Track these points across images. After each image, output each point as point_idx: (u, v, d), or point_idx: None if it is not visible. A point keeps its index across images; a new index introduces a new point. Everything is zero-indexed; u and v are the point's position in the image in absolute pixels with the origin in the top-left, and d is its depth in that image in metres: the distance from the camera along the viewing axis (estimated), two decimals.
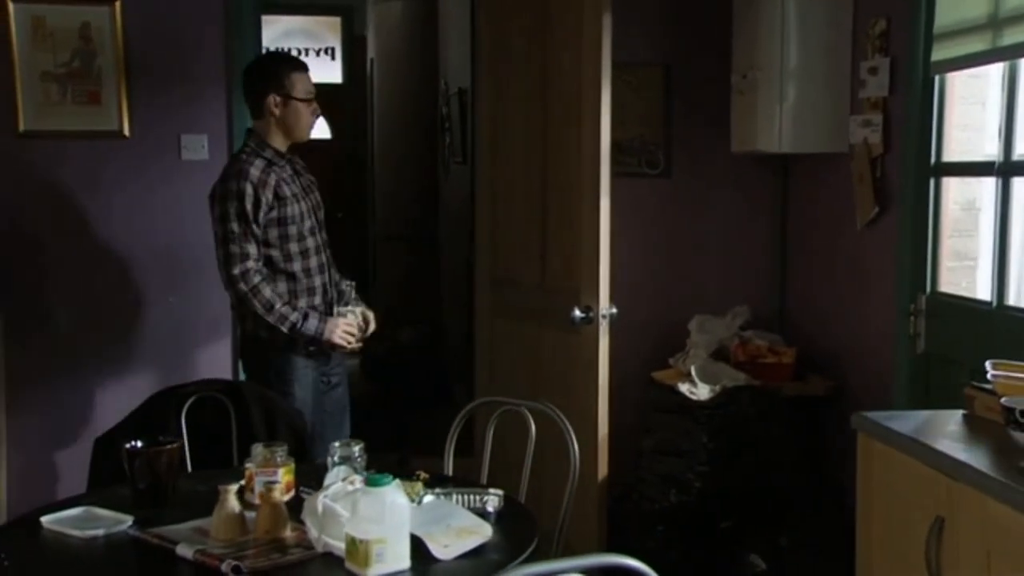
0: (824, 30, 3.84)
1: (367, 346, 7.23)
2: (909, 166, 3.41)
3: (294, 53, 9.49)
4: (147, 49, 4.04)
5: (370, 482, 1.91)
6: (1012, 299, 3.01)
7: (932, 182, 3.35)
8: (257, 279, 3.22)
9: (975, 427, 2.26)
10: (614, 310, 3.67)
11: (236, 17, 4.12)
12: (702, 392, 3.77)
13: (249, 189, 3.21)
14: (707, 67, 4.29)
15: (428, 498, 2.18)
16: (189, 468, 2.77)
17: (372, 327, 3.50)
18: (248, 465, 2.22)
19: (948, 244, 3.41)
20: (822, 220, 4.12)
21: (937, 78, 3.30)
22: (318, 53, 9.61)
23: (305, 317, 3.24)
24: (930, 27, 3.29)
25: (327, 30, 9.57)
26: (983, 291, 3.19)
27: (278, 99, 3.32)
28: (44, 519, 2.13)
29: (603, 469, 3.68)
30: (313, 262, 3.37)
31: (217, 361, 4.18)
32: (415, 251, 7.54)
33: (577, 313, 3.64)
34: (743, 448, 3.76)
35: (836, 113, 3.85)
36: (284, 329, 3.21)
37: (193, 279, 4.13)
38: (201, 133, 4.12)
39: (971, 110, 3.34)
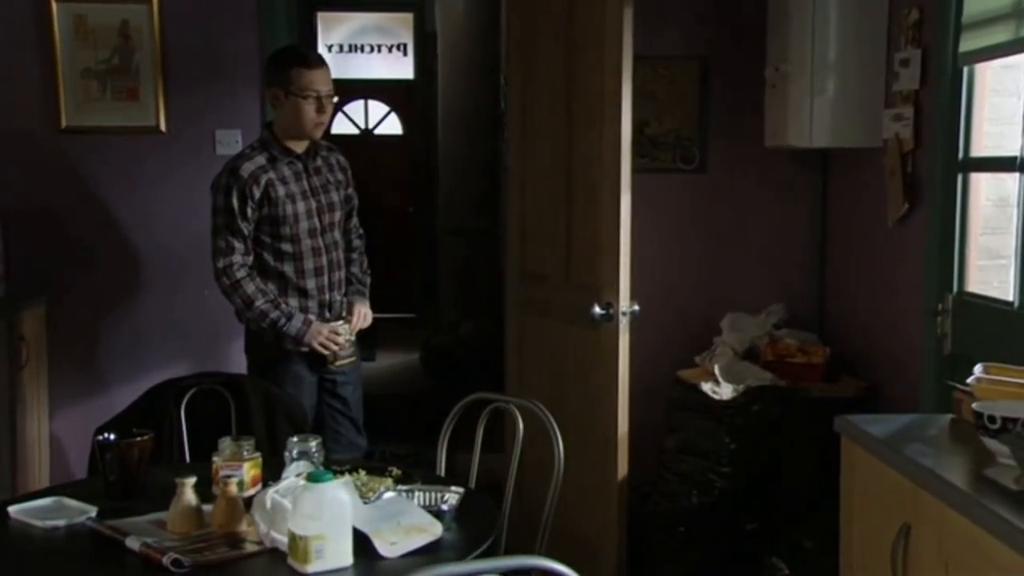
0: (858, 21, 3.72)
1: (428, 340, 7.27)
2: (938, 161, 3.28)
3: (367, 49, 9.68)
4: (183, 46, 4.13)
5: (310, 478, 1.91)
6: None
7: (960, 178, 3.22)
8: (241, 274, 3.24)
9: (958, 432, 2.16)
10: (636, 307, 3.62)
11: (270, 13, 4.17)
12: (725, 391, 3.69)
13: (237, 184, 3.22)
14: (744, 61, 4.20)
15: (388, 495, 2.18)
16: (188, 459, 2.82)
17: (361, 323, 3.54)
18: (215, 459, 2.24)
19: (980, 242, 3.28)
20: (858, 217, 4.00)
21: (966, 70, 3.16)
22: (391, 49, 9.72)
23: (289, 317, 3.25)
24: (959, 17, 3.16)
25: (401, 26, 9.66)
26: (1016, 291, 3.05)
27: (279, 93, 3.30)
28: (12, 509, 2.19)
29: (623, 468, 3.63)
30: (309, 264, 3.35)
31: (239, 353, 4.25)
32: (476, 246, 7.57)
33: (597, 310, 3.60)
34: (766, 449, 3.68)
35: (871, 107, 3.72)
36: (264, 326, 3.23)
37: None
38: (235, 128, 4.19)
39: (1004, 103, 3.20)
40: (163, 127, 4.12)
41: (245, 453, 2.24)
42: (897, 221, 3.58)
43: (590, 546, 3.79)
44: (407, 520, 2.05)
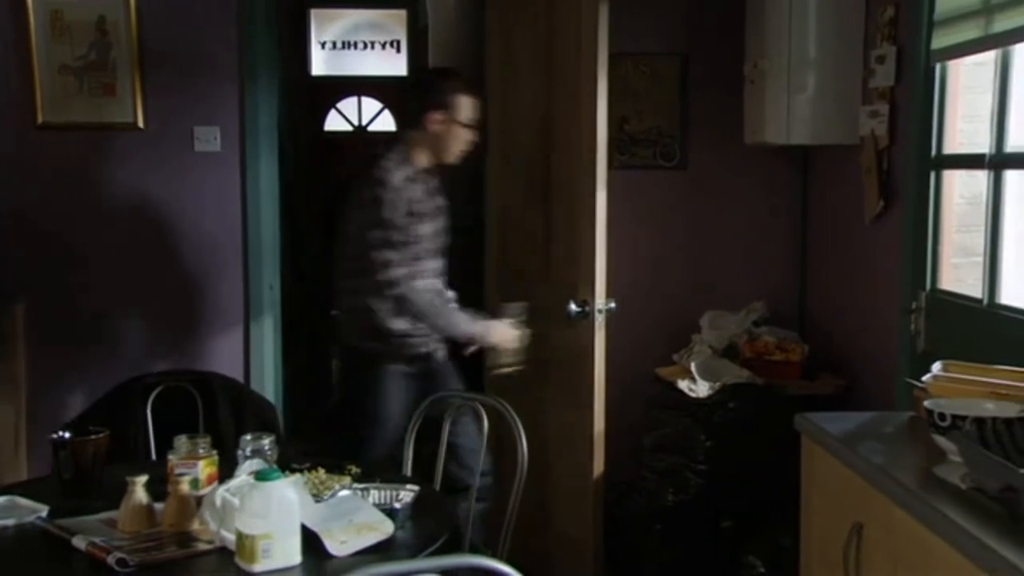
0: (835, 18, 3.70)
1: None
2: (911, 158, 3.27)
3: (360, 46, 9.65)
4: (161, 41, 4.10)
5: (258, 476, 1.90)
6: (1005, 297, 2.86)
7: (933, 175, 3.20)
8: (409, 281, 3.15)
9: (915, 430, 2.15)
10: (612, 304, 3.62)
11: (250, 10, 4.15)
12: (701, 389, 3.68)
13: (389, 196, 3.13)
14: (724, 57, 4.17)
15: (343, 493, 2.17)
16: (154, 458, 2.82)
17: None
18: (170, 457, 2.23)
19: (955, 239, 3.26)
20: (837, 214, 3.98)
21: (938, 67, 3.15)
22: (384, 46, 9.69)
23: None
24: (932, 14, 3.14)
25: (394, 23, 9.63)
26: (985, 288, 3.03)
27: (440, 117, 3.23)
28: None
29: (599, 466, 3.63)
30: (419, 284, 3.24)
31: (229, 351, 4.25)
32: (465, 242, 7.53)
33: (573, 307, 3.60)
34: (743, 447, 3.66)
35: (849, 104, 3.70)
36: (440, 321, 3.21)
37: (206, 269, 4.21)
38: (214, 125, 4.17)
39: (978, 100, 3.18)
40: (141, 123, 4.10)
41: (201, 451, 2.23)
42: (873, 218, 3.56)
43: (569, 544, 3.79)
44: (358, 519, 2.04)
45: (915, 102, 3.24)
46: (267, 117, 4.26)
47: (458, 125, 3.27)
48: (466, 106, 3.27)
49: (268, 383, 4.39)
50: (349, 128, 9.82)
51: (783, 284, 4.31)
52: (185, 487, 2.08)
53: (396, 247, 3.13)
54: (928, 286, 3.23)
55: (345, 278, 3.32)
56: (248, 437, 2.22)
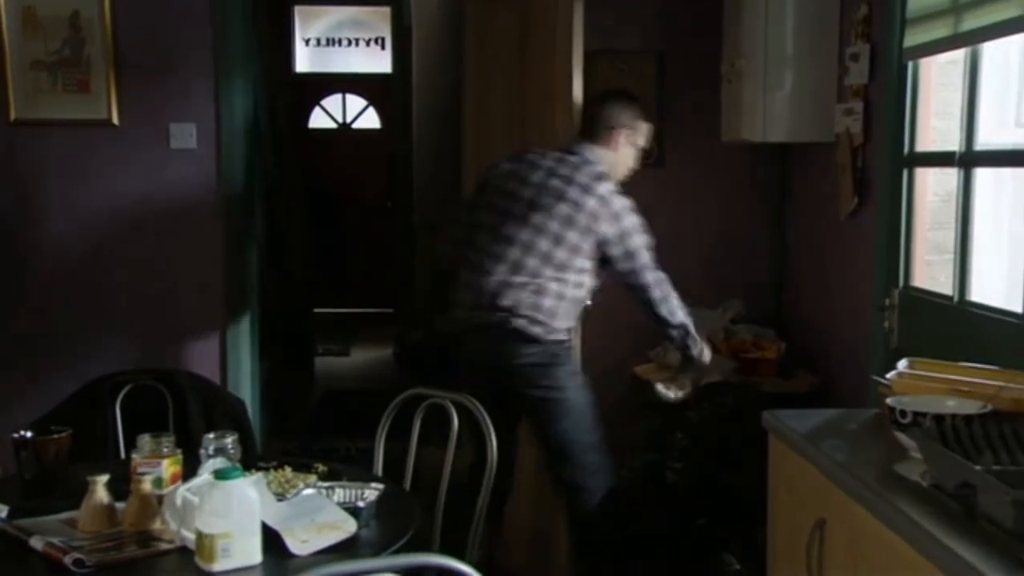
0: (811, 16, 3.70)
1: (402, 335, 7.22)
2: (885, 156, 3.27)
3: (344, 43, 9.64)
4: (136, 38, 4.08)
5: (218, 475, 1.89)
6: (977, 295, 2.86)
7: (906, 173, 3.20)
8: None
9: (879, 427, 2.15)
10: (589, 302, 3.61)
11: (225, 5, 4.13)
12: (675, 388, 3.67)
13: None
14: (701, 55, 4.17)
15: (307, 492, 2.16)
16: (123, 457, 2.80)
17: None
18: (133, 456, 2.21)
19: (928, 237, 3.27)
20: (814, 211, 3.99)
21: (911, 65, 3.15)
22: (368, 43, 9.67)
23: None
24: (904, 12, 3.14)
25: (378, 20, 9.61)
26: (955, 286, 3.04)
27: (626, 137, 3.34)
28: None
29: None
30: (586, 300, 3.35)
31: (206, 351, 4.23)
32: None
33: None
34: (718, 445, 3.66)
35: (824, 101, 3.71)
36: (685, 320, 3.26)
37: (182, 267, 4.19)
38: (190, 122, 4.15)
39: (949, 98, 3.18)
40: (116, 120, 4.08)
41: (164, 450, 2.21)
42: (848, 215, 3.57)
43: (543, 540, 3.79)
44: (321, 518, 2.03)
45: (888, 100, 3.24)
46: (244, 114, 4.25)
47: (636, 149, 3.39)
48: (645, 132, 3.41)
49: (245, 383, 4.37)
50: (334, 125, 9.81)
51: (761, 281, 4.31)
52: (147, 486, 2.07)
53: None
54: (901, 283, 3.23)
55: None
56: (211, 436, 2.21)
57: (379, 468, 2.81)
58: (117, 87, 4.07)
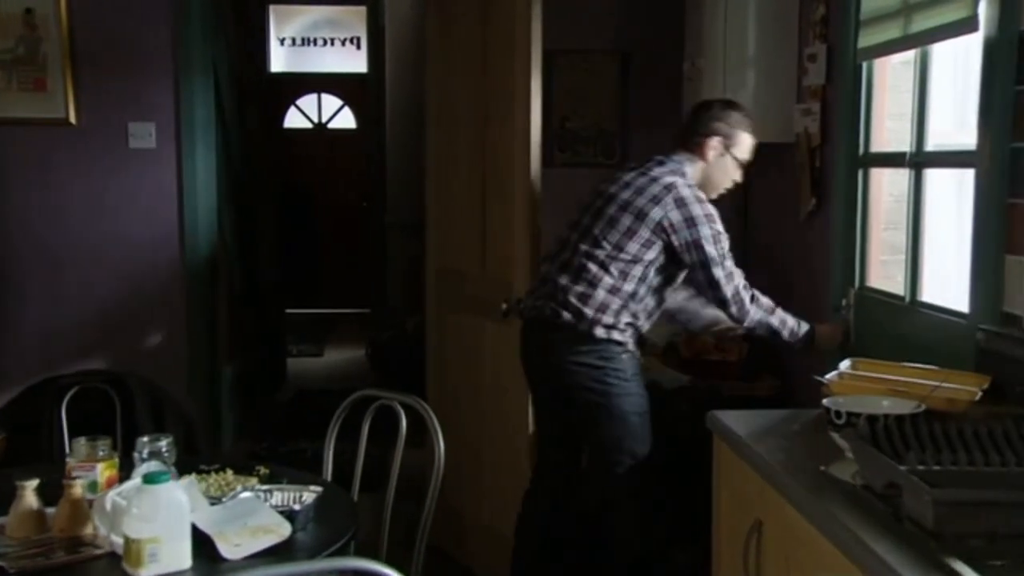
0: (772, 16, 3.69)
1: (374, 335, 7.16)
2: (841, 156, 3.27)
3: (320, 43, 9.60)
4: (94, 36, 4.06)
5: (146, 479, 1.86)
6: (928, 295, 2.86)
7: (861, 173, 3.20)
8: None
9: (820, 428, 2.13)
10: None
11: (183, 3, 4.10)
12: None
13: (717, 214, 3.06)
14: (664, 55, 4.18)
15: (244, 495, 2.13)
16: None
17: None
18: (68, 459, 2.18)
19: (884, 237, 3.27)
20: (775, 212, 3.98)
21: (865, 66, 3.15)
22: (344, 43, 9.64)
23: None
24: (858, 13, 3.14)
25: (354, 19, 9.59)
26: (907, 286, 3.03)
27: (720, 146, 3.11)
28: None
29: (531, 465, 3.61)
30: (656, 313, 3.19)
31: (167, 350, 4.20)
32: (422, 240, 7.51)
33: (504, 305, 3.58)
34: (678, 448, 3.64)
35: (785, 102, 3.70)
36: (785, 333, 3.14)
37: (142, 267, 4.16)
38: (149, 121, 4.12)
39: (904, 99, 3.18)
40: (73, 119, 4.05)
41: (100, 453, 2.18)
42: (807, 216, 3.56)
43: (503, 543, 3.77)
44: (254, 521, 2.01)
45: (844, 100, 3.24)
46: (205, 113, 4.22)
47: (732, 159, 3.15)
48: (745, 143, 3.16)
49: (209, 384, 4.35)
50: (309, 125, 9.78)
51: None
52: (78, 491, 2.03)
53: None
54: (857, 283, 3.23)
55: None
56: (145, 439, 2.18)
57: (328, 470, 2.79)
58: (74, 85, 4.04)
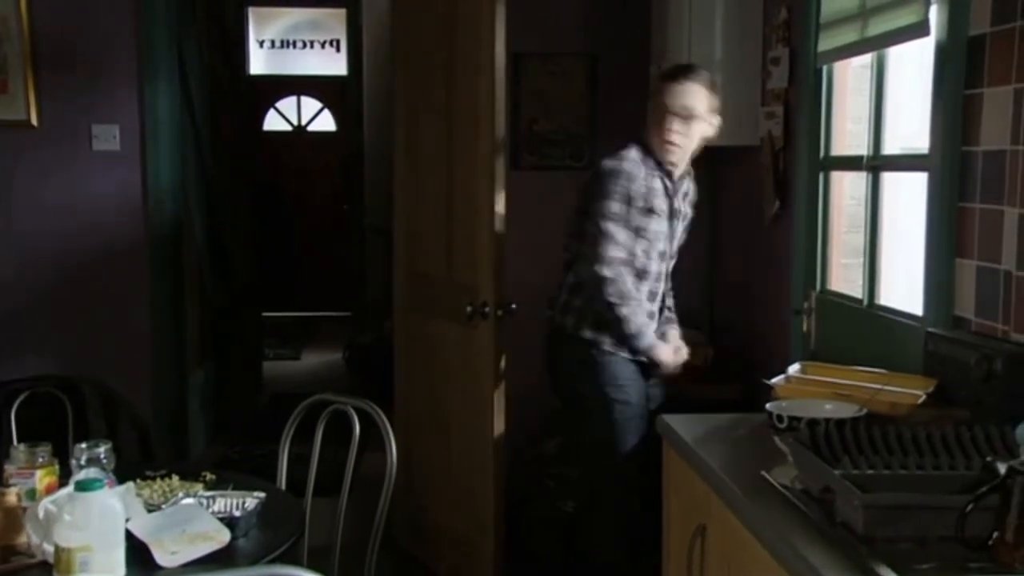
0: (736, 20, 3.70)
1: (352, 338, 7.12)
2: (803, 159, 3.26)
3: (300, 45, 9.57)
4: (56, 37, 4.02)
5: (79, 486, 1.83)
6: (886, 298, 2.85)
7: (822, 176, 3.20)
8: (623, 269, 3.01)
9: (766, 432, 2.12)
10: (513, 306, 3.58)
11: (148, 5, 4.07)
12: None
13: (637, 172, 2.99)
14: (632, 58, 4.16)
15: (186, 501, 2.11)
16: None
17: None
18: (7, 466, 2.15)
19: (845, 240, 3.26)
20: (741, 215, 3.98)
21: (825, 69, 3.14)
22: (323, 45, 9.61)
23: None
24: (819, 17, 3.13)
25: (334, 22, 9.56)
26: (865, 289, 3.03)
27: (650, 104, 3.10)
28: None
29: (498, 470, 3.59)
30: (645, 289, 3.12)
31: (133, 355, 4.16)
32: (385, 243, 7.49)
33: (469, 308, 3.56)
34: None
35: (750, 105, 3.69)
36: (627, 330, 3.03)
37: (102, 270, 4.12)
38: (113, 123, 4.09)
39: (864, 102, 3.17)
40: (35, 121, 4.02)
41: (40, 460, 2.15)
42: (771, 219, 3.55)
43: (470, 547, 3.75)
44: (193, 528, 1.98)
45: (805, 104, 3.23)
46: (170, 115, 4.19)
47: (657, 107, 3.03)
48: (663, 90, 3.04)
49: (177, 389, 4.32)
50: (288, 128, 9.74)
51: (692, 286, 4.28)
52: (13, 498, 2.00)
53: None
54: (819, 286, 3.22)
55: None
56: (83, 445, 2.15)
57: (283, 476, 2.76)
58: (36, 87, 4.01)
